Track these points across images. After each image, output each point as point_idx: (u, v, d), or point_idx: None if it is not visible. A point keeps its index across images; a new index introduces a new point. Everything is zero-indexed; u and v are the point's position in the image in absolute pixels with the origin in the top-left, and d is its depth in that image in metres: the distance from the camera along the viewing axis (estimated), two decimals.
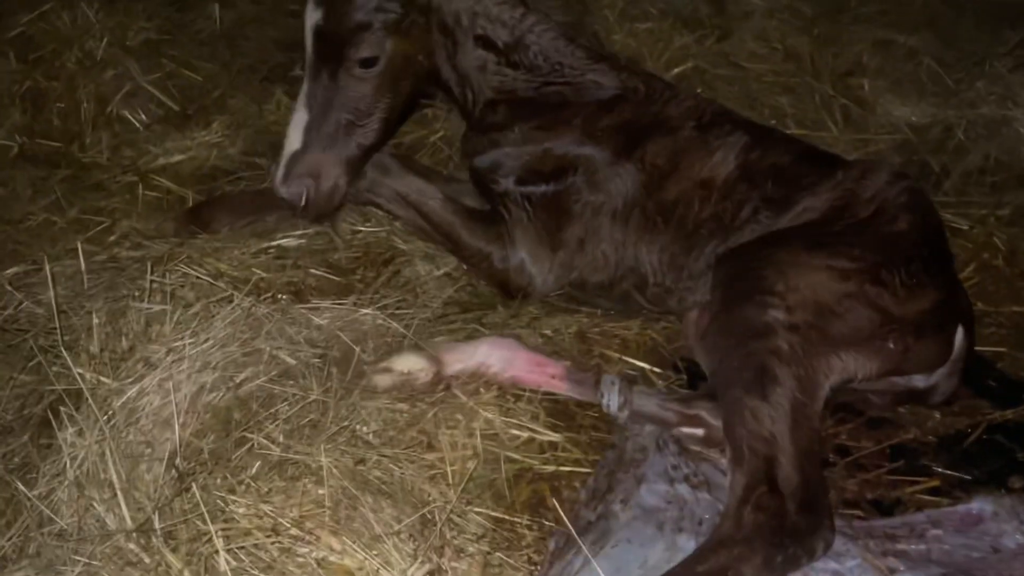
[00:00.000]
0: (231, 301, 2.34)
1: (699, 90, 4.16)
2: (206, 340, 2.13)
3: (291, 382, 2.21)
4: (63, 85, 4.06)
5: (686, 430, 2.51)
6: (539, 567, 2.21)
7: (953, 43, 4.69)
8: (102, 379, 2.11)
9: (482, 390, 2.60)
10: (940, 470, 2.58)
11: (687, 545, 2.14)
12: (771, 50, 4.43)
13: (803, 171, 2.87)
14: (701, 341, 2.73)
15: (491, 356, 2.65)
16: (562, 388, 2.67)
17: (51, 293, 2.46)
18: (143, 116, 4.08)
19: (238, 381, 2.12)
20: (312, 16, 2.92)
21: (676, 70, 4.32)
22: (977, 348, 2.98)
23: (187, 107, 4.18)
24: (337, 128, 2.98)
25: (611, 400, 2.56)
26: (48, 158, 3.83)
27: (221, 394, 2.10)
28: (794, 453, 2.11)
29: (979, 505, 2.40)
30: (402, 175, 3.16)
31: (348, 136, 3.01)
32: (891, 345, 2.40)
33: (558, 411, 2.67)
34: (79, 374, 2.16)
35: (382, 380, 2.51)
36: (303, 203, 3.00)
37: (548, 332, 2.97)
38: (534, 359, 2.69)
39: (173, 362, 2.08)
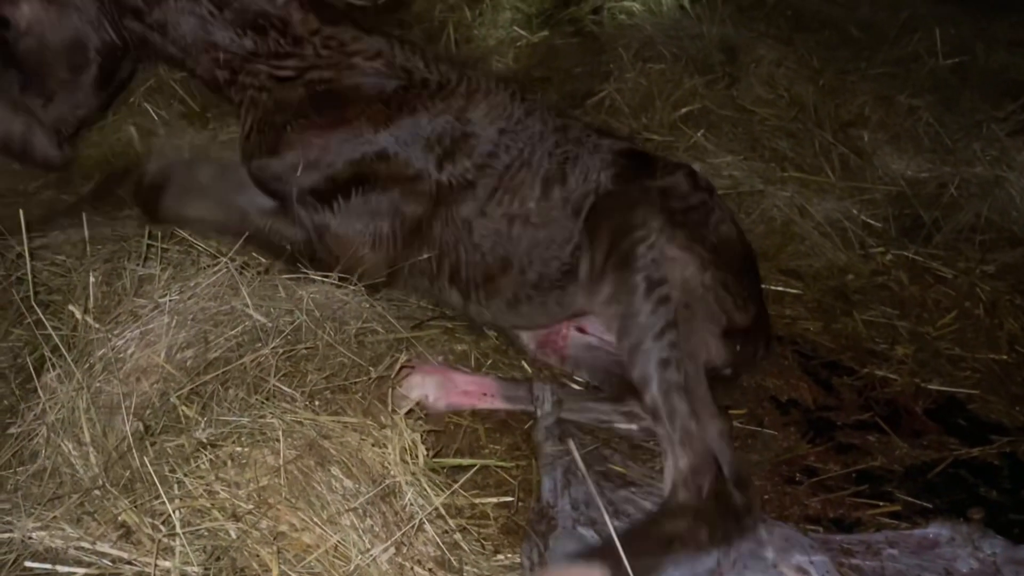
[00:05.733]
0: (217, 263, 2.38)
1: (702, 130, 4.29)
2: (190, 296, 2.17)
3: (259, 344, 2.22)
4: None
5: (622, 426, 2.64)
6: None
7: (954, 107, 4.80)
8: (90, 323, 2.16)
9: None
10: (902, 496, 2.63)
11: None
12: (777, 96, 4.53)
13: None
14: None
15: (426, 387, 2.54)
16: (495, 404, 2.62)
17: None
18: (163, 113, 4.21)
19: (211, 340, 2.15)
20: None
21: (683, 110, 4.44)
22: (951, 389, 3.07)
23: (207, 109, 4.31)
24: (13, 84, 2.86)
25: (546, 403, 2.60)
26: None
27: (194, 351, 2.15)
28: (716, 435, 2.28)
29: (936, 530, 2.44)
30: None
31: (34, 95, 2.87)
32: (735, 344, 2.61)
33: None
34: (54, 326, 2.19)
35: None
36: None
37: None
38: (466, 379, 2.62)
39: (155, 315, 2.12)
